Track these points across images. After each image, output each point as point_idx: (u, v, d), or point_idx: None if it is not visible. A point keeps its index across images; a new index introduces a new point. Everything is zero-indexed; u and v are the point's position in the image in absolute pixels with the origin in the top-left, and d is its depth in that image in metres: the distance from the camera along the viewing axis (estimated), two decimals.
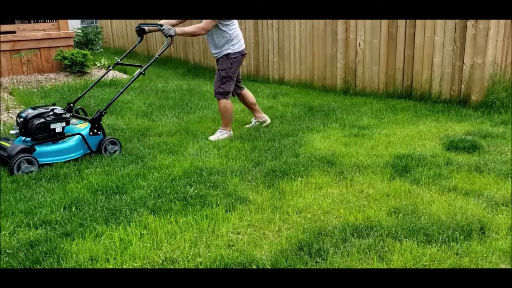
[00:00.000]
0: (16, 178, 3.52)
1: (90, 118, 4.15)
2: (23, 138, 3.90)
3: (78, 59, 7.51)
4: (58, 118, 3.91)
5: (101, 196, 3.19)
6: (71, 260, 2.42)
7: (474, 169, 3.57)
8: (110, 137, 4.18)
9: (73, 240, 2.63)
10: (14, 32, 7.72)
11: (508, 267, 2.34)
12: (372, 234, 2.63)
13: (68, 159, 3.90)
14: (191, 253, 2.48)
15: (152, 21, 4.46)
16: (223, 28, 4.43)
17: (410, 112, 5.43)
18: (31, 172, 3.63)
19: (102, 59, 8.49)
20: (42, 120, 3.84)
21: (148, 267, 2.39)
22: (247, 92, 4.99)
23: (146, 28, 4.44)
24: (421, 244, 2.52)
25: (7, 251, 2.51)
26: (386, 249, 2.49)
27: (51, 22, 8.20)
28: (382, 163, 3.74)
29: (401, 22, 6.00)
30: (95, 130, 4.07)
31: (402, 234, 2.61)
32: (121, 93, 4.31)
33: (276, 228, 2.76)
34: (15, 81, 6.97)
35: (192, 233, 2.69)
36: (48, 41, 7.60)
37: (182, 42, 9.93)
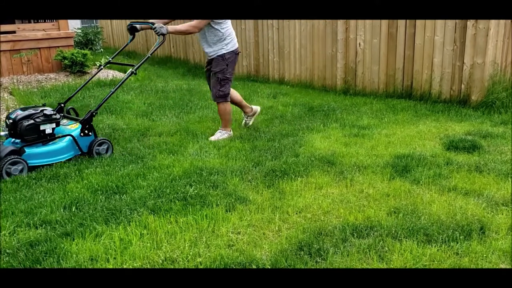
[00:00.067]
0: (16, 178, 3.52)
1: (81, 119, 4.08)
2: (13, 139, 3.83)
3: (78, 59, 7.51)
4: (48, 119, 3.84)
5: (101, 196, 3.19)
6: (71, 260, 2.42)
7: (474, 169, 3.57)
8: (101, 138, 4.11)
9: (73, 240, 2.63)
10: (14, 32, 7.72)
11: (508, 267, 2.34)
12: (372, 234, 2.63)
13: (58, 161, 3.84)
14: (191, 253, 2.48)
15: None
16: (216, 26, 4.37)
17: (410, 112, 5.43)
18: (21, 171, 3.60)
19: (102, 59, 8.49)
20: (32, 121, 3.76)
21: (148, 267, 2.39)
22: (232, 91, 4.93)
23: (138, 26, 4.39)
24: (421, 244, 2.52)
25: (7, 251, 2.51)
26: (386, 249, 2.49)
27: (51, 22, 8.21)
28: (382, 163, 3.74)
29: (401, 22, 6.00)
30: (86, 131, 4.00)
31: (402, 234, 2.61)
32: (112, 93, 4.25)
33: (276, 228, 2.76)
34: (15, 81, 6.97)
35: (192, 233, 2.69)
36: (48, 41, 7.60)
37: (182, 42, 9.93)
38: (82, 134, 3.98)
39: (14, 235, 2.70)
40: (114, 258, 2.46)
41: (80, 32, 10.68)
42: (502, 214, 2.86)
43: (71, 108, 4.44)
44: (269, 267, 2.34)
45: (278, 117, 5.39)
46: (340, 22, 6.64)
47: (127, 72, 4.23)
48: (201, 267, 2.37)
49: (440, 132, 4.62)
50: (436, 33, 5.68)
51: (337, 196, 3.17)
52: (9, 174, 3.55)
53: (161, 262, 2.42)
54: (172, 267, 2.39)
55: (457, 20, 5.49)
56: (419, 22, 5.83)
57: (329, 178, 3.49)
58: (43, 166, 3.76)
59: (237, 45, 4.59)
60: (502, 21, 5.39)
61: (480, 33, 5.27)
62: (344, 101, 6.16)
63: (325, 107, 5.74)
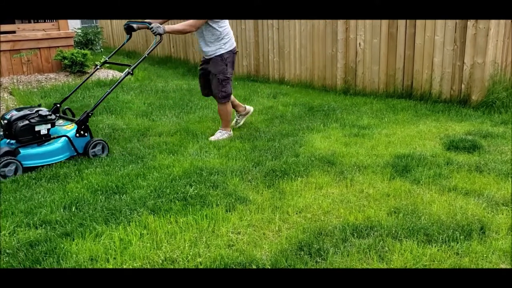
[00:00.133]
0: (16, 178, 3.52)
1: (76, 119, 4.05)
2: (8, 140, 3.80)
3: (78, 59, 7.51)
4: (43, 119, 3.81)
5: (101, 196, 3.19)
6: (71, 260, 2.42)
7: (474, 169, 3.57)
8: (96, 139, 4.09)
9: (73, 240, 2.63)
10: (14, 32, 7.73)
11: (508, 267, 2.34)
12: (372, 234, 2.63)
13: (53, 162, 3.82)
14: (191, 253, 2.48)
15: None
16: (213, 25, 4.34)
17: (410, 112, 5.43)
18: (16, 171, 3.58)
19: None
20: (27, 122, 3.73)
21: (148, 267, 2.39)
22: None
23: (134, 25, 4.37)
24: (421, 244, 2.52)
25: (7, 251, 2.51)
26: (386, 249, 2.49)
27: (51, 22, 8.21)
28: (382, 163, 3.74)
29: (401, 22, 6.00)
30: (82, 132, 3.98)
31: (402, 234, 2.61)
32: (108, 93, 4.23)
33: (276, 228, 2.76)
34: (15, 81, 6.97)
35: (192, 233, 2.69)
36: (48, 41, 7.60)
37: (182, 41, 9.94)
38: (77, 135, 3.95)
39: (14, 235, 2.70)
40: (114, 258, 2.46)
41: (80, 32, 10.68)
42: (502, 214, 2.86)
43: (67, 108, 4.41)
44: (269, 267, 2.34)
45: (278, 117, 5.39)
46: (340, 22, 6.63)
47: (124, 72, 4.21)
48: (201, 267, 2.37)
49: (440, 132, 4.62)
50: (436, 33, 5.68)
51: (337, 196, 3.17)
52: (4, 177, 3.54)
53: (161, 262, 2.42)
54: (172, 267, 2.38)
55: (457, 20, 5.48)
56: (419, 22, 5.83)
57: (329, 178, 3.49)
58: (42, 166, 3.76)
59: (234, 44, 4.56)
60: (502, 21, 5.39)
61: (480, 33, 5.27)
62: (344, 101, 6.15)
63: (325, 107, 5.74)
